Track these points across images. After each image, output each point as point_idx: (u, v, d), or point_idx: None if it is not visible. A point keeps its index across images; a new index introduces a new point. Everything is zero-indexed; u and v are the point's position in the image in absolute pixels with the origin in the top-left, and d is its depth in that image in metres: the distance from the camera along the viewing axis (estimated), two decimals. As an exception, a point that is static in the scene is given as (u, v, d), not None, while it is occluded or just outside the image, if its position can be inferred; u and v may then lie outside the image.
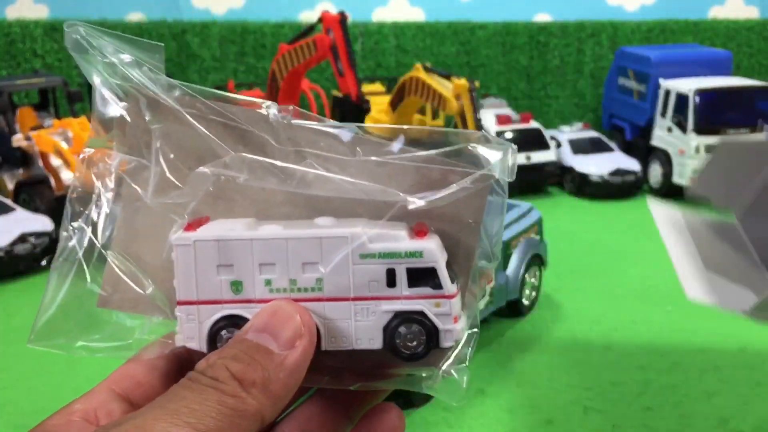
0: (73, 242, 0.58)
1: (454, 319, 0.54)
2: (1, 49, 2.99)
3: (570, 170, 3.00)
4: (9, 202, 2.28)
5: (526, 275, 1.81)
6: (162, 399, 0.46)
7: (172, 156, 0.58)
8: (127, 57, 0.56)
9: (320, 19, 2.65)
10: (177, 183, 0.57)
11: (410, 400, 1.46)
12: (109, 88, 0.57)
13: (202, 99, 0.56)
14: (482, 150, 0.57)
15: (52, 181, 2.34)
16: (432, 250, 0.54)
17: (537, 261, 1.87)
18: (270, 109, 0.56)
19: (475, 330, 0.58)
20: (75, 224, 0.58)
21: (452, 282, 0.55)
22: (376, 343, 0.54)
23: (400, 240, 0.54)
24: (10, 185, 2.45)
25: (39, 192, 2.36)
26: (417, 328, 0.54)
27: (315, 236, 0.54)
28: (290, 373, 0.49)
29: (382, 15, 3.65)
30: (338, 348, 0.54)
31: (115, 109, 0.57)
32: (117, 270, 0.58)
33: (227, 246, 0.54)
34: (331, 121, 0.56)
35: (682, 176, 2.94)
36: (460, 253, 0.57)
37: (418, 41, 3.60)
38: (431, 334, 0.54)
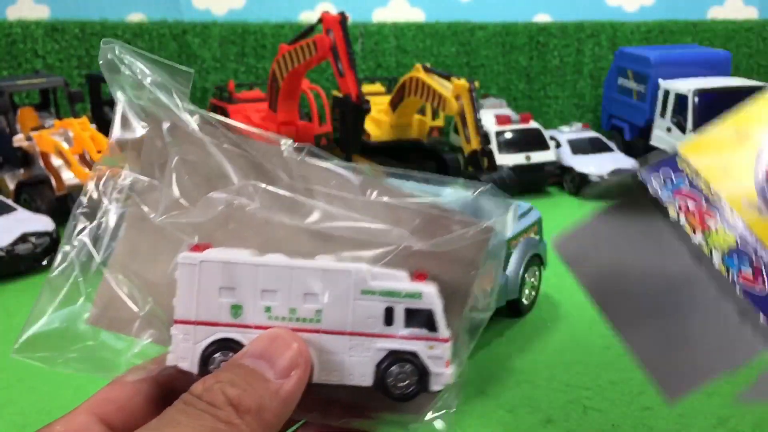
0: (71, 257, 0.58)
1: (445, 363, 0.55)
2: (1, 49, 2.99)
3: (569, 170, 3.01)
4: (10, 202, 2.28)
5: (526, 275, 1.81)
6: (156, 422, 0.46)
7: (185, 179, 0.58)
8: (155, 79, 0.57)
9: (320, 20, 2.66)
10: (187, 205, 0.58)
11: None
12: (131, 108, 0.58)
13: (222, 129, 0.57)
14: (486, 202, 0.58)
15: (53, 181, 2.34)
16: (431, 293, 0.55)
17: (537, 261, 1.87)
18: (285, 145, 0.58)
19: (460, 379, 0.59)
20: (76, 240, 0.59)
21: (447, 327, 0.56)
22: (366, 380, 0.55)
23: (401, 280, 0.55)
24: (11, 185, 2.45)
25: (40, 192, 2.36)
26: (409, 368, 0.55)
27: (319, 268, 0.55)
28: (284, 402, 0.49)
29: (382, 15, 3.66)
30: (329, 381, 0.55)
31: (135, 128, 0.58)
32: (114, 287, 0.58)
33: (232, 269, 0.55)
34: (344, 162, 0.58)
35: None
36: (455, 301, 0.58)
37: (418, 42, 3.60)
38: (423, 376, 0.55)
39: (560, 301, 1.95)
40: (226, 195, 0.57)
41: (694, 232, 0.82)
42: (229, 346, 0.54)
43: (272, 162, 0.58)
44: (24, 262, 2.07)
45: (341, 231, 0.57)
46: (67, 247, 0.58)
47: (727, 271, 0.80)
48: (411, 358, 0.55)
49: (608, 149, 3.15)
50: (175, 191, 0.58)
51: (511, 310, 1.81)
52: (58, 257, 0.58)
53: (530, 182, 2.91)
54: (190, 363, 0.54)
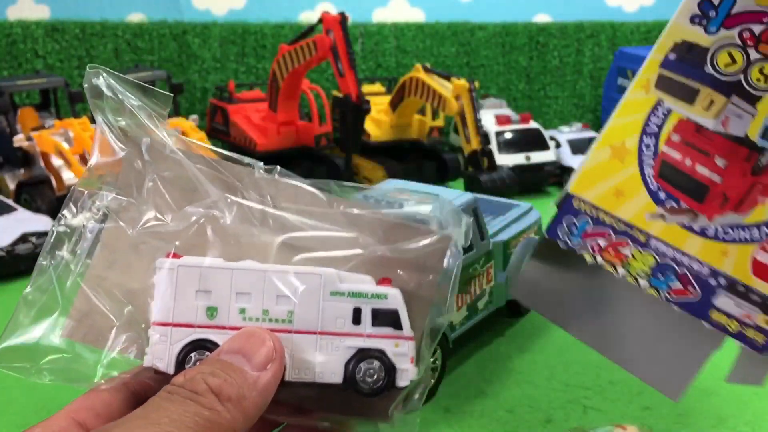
0: (49, 272, 0.61)
1: (410, 359, 0.59)
2: (2, 49, 2.99)
3: (569, 170, 3.01)
4: (10, 202, 2.28)
5: (526, 275, 1.81)
6: (142, 410, 0.48)
7: (162, 195, 0.62)
8: (135, 102, 0.60)
9: (320, 20, 2.66)
10: (163, 220, 0.61)
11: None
12: (112, 131, 0.61)
13: (197, 150, 0.61)
14: (444, 215, 0.63)
15: (54, 182, 2.35)
16: (396, 294, 0.60)
17: (536, 261, 1.87)
18: (256, 166, 0.62)
19: (426, 380, 0.63)
20: (55, 256, 0.61)
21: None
22: (336, 377, 0.58)
23: (368, 283, 0.59)
24: (12, 185, 2.46)
25: (40, 192, 2.37)
26: (377, 365, 0.58)
27: (291, 271, 0.59)
28: (261, 393, 0.52)
29: (382, 16, 3.66)
30: (301, 380, 0.59)
31: (114, 150, 0.62)
32: (92, 299, 0.61)
33: (208, 273, 0.58)
34: (312, 180, 0.62)
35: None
36: (418, 304, 0.62)
37: (418, 42, 3.61)
38: (389, 372, 0.59)
39: (560, 301, 1.95)
40: (201, 209, 0.60)
41: (615, 267, 0.83)
42: (205, 346, 0.57)
43: (244, 182, 0.61)
44: (24, 262, 2.07)
45: (309, 241, 0.61)
46: (43, 262, 0.60)
47: (658, 292, 0.82)
48: (378, 355, 0.58)
49: (608, 149, 3.15)
50: (153, 206, 0.61)
51: (511, 310, 1.81)
52: (35, 272, 0.60)
53: (530, 182, 2.91)
54: (166, 363, 0.57)
